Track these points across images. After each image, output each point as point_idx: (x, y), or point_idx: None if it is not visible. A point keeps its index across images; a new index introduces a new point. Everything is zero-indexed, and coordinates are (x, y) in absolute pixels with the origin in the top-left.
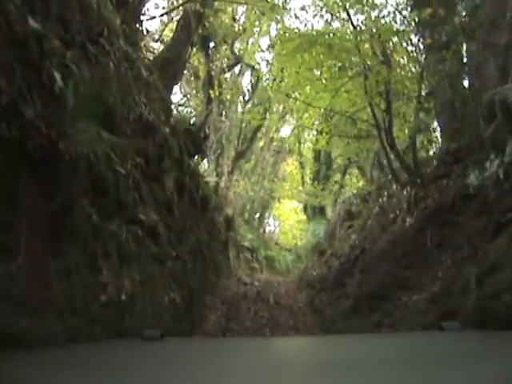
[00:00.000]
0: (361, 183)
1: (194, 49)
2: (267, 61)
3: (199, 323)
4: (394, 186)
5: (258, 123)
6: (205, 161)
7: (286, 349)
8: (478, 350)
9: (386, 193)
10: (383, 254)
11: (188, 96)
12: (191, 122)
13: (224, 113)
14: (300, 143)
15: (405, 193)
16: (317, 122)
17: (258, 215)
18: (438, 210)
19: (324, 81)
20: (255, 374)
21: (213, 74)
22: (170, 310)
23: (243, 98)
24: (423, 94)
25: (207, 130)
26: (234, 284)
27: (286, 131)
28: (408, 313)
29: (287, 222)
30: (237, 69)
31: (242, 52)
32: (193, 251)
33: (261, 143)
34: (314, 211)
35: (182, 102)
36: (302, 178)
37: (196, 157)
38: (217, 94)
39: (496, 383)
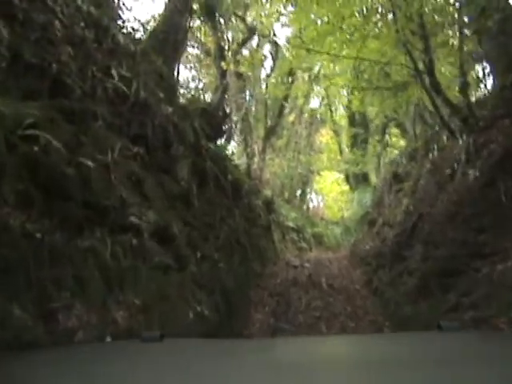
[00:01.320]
0: (403, 142)
1: (200, 21)
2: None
3: (241, 330)
4: (445, 137)
5: (284, 94)
6: (232, 143)
7: (288, 349)
8: (477, 351)
9: (435, 146)
10: (448, 217)
11: (201, 76)
12: (207, 102)
13: (247, 91)
14: (331, 111)
15: (460, 142)
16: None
17: (299, 192)
18: (506, 155)
19: (348, 32)
20: (256, 375)
21: (223, 45)
22: (196, 328)
23: (265, 72)
24: (465, 19)
25: (227, 109)
26: (282, 269)
27: (315, 102)
28: (494, 288)
29: (330, 195)
30: (254, 42)
31: (255, 23)
32: (227, 245)
33: (291, 117)
34: (357, 179)
35: (195, 83)
36: (339, 146)
37: (219, 139)
38: (230, 66)
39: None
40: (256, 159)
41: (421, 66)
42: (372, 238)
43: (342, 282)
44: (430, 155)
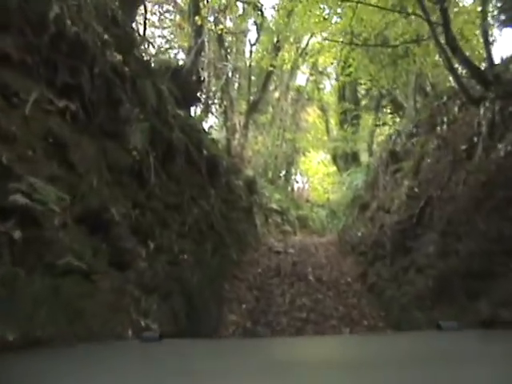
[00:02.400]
0: (398, 119)
1: None
2: None
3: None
4: (456, 108)
5: (270, 65)
6: (211, 116)
7: (286, 349)
8: (477, 350)
9: (445, 119)
10: (473, 202)
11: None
12: (180, 64)
13: (229, 62)
14: (319, 88)
15: (482, 112)
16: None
17: (283, 173)
18: None
19: None
20: (256, 375)
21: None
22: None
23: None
24: None
25: (203, 74)
26: (264, 255)
27: (302, 80)
28: None
29: (316, 177)
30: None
31: None
32: (197, 231)
33: (276, 94)
34: (346, 159)
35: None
36: (326, 125)
37: (193, 108)
38: (208, 25)
39: (495, 383)
40: (237, 135)
41: (433, 18)
42: (364, 224)
43: (331, 273)
44: (438, 129)
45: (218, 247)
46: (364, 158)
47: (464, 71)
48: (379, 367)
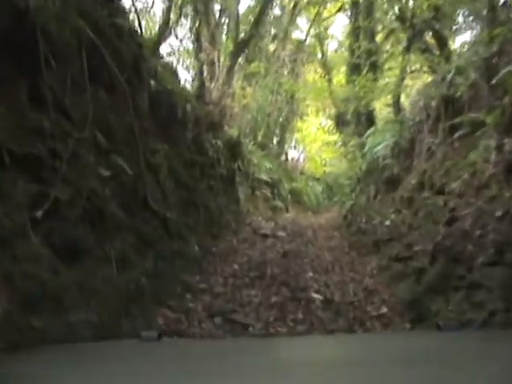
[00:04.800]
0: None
1: None
2: None
3: None
4: None
5: None
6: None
7: (287, 348)
8: (476, 350)
9: None
10: None
11: None
12: None
13: None
14: (322, 43)
15: None
16: None
17: (276, 139)
18: None
19: None
20: (255, 375)
21: None
22: None
23: None
24: None
25: None
26: (246, 241)
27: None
28: None
29: (314, 146)
30: None
31: None
32: (87, 219)
33: (272, 44)
34: (358, 120)
35: None
36: (329, 85)
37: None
38: None
39: (495, 383)
40: (218, 80)
41: None
42: (396, 210)
43: (345, 286)
44: None
45: (154, 241)
46: (383, 119)
47: None
48: (379, 366)
